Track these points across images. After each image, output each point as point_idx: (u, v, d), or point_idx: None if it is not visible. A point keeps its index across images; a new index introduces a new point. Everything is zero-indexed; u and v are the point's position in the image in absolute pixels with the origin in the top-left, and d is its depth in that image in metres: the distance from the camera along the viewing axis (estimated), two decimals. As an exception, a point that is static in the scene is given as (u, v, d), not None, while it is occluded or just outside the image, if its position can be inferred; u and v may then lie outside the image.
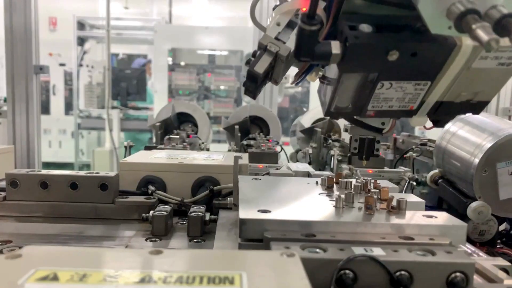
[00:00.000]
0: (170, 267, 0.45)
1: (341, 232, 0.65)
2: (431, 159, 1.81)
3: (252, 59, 0.71)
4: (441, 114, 0.72)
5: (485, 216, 1.40)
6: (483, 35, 0.46)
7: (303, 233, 0.64)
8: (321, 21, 0.60)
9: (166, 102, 5.11)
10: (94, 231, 0.93)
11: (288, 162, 2.02)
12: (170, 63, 5.77)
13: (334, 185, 0.90)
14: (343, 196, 0.74)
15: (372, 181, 0.87)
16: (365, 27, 0.60)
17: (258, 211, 0.68)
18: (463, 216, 1.44)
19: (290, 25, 0.72)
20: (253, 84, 0.72)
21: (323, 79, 0.76)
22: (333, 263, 0.55)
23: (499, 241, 1.61)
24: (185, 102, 2.29)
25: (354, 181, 0.88)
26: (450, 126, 1.65)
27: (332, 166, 1.73)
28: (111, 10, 5.22)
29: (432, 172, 1.67)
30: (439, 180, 1.64)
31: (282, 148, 1.92)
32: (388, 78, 0.64)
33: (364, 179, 0.87)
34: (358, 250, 0.58)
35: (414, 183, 1.57)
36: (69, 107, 6.38)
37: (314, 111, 2.22)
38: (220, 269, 0.45)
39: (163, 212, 0.91)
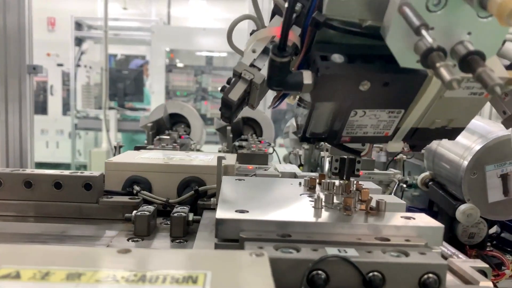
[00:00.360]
0: (135, 266, 0.45)
1: (317, 233, 0.65)
2: (423, 161, 1.81)
3: (227, 86, 0.71)
4: (416, 140, 0.73)
5: (474, 219, 1.40)
6: (445, 74, 0.47)
7: (279, 234, 0.64)
8: (292, 52, 0.61)
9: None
10: (77, 231, 0.93)
11: (280, 163, 2.02)
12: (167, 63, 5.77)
13: (317, 186, 0.90)
14: (322, 197, 0.74)
15: (355, 182, 0.87)
16: (336, 58, 0.60)
17: (236, 211, 0.68)
18: (453, 219, 1.44)
19: (265, 51, 0.72)
20: (228, 110, 0.73)
21: (300, 101, 0.76)
22: (305, 263, 0.55)
23: (489, 243, 1.61)
24: (177, 103, 2.29)
25: (337, 182, 0.88)
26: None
27: (323, 168, 1.73)
28: (109, 11, 5.22)
29: (423, 175, 1.67)
30: (430, 183, 1.64)
31: (274, 150, 1.92)
32: (361, 107, 0.64)
33: (346, 181, 0.87)
34: (332, 251, 0.58)
35: (404, 185, 1.57)
36: (66, 107, 6.38)
37: (307, 113, 2.21)
38: (187, 268, 0.45)
39: (145, 212, 0.91)
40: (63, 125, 6.41)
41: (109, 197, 1.01)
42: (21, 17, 2.15)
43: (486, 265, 0.71)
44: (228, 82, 0.72)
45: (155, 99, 5.36)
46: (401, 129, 0.70)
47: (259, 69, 0.71)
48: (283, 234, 0.64)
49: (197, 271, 0.44)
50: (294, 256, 0.57)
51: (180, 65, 6.03)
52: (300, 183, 0.91)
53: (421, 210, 1.71)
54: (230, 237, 0.64)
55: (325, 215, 0.70)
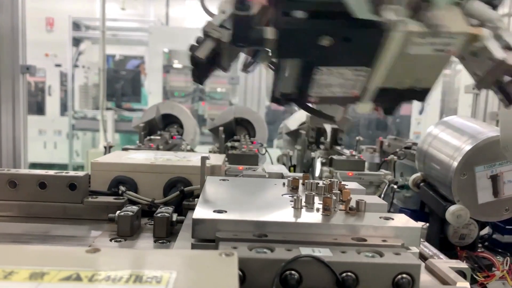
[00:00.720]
0: (101, 265, 0.45)
1: (294, 233, 0.65)
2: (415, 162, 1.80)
3: (197, 45, 0.72)
4: (386, 101, 0.73)
5: (464, 220, 1.39)
6: (393, 16, 0.48)
7: (255, 234, 0.64)
8: (256, 6, 0.62)
9: (161, 103, 5.10)
10: (60, 231, 0.93)
11: (273, 164, 2.02)
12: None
13: (301, 186, 0.90)
14: (302, 197, 0.74)
15: (338, 182, 0.87)
16: (298, 13, 0.61)
17: (214, 211, 0.68)
18: (444, 220, 1.44)
19: None
20: (197, 69, 0.73)
21: (270, 64, 0.77)
22: (277, 263, 0.55)
23: (480, 245, 1.60)
24: (170, 104, 2.28)
25: (321, 182, 0.87)
26: (432, 129, 1.64)
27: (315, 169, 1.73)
28: (108, 11, 5.23)
29: (414, 176, 1.67)
30: (421, 184, 1.64)
31: (266, 150, 1.91)
32: (324, 64, 0.64)
33: (330, 180, 0.87)
34: (306, 251, 0.58)
35: (395, 186, 1.57)
36: (64, 108, 6.38)
37: (300, 113, 2.22)
38: (154, 268, 0.45)
39: (129, 213, 0.91)
40: (61, 126, 6.39)
41: (94, 197, 1.01)
42: (15, 17, 2.15)
43: (466, 266, 0.71)
44: (198, 42, 0.73)
45: (152, 100, 5.36)
46: (369, 89, 0.70)
47: (228, 30, 0.72)
48: (260, 234, 0.64)
49: (163, 271, 0.44)
50: (267, 256, 0.57)
51: (178, 65, 6.03)
52: (284, 184, 0.91)
53: (413, 212, 1.71)
54: (207, 237, 0.64)
55: (303, 215, 0.70)
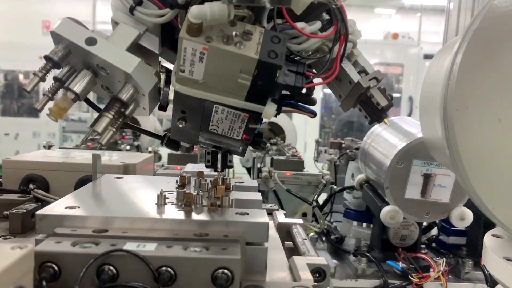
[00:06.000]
0: None
1: (137, 229, 0.65)
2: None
3: None
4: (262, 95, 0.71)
5: (397, 221, 1.38)
6: None
7: (95, 230, 0.63)
8: None
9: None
10: (-43, 228, 0.93)
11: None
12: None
13: (192, 183, 0.90)
14: (165, 193, 0.74)
15: (223, 179, 0.87)
16: None
17: (66, 207, 0.68)
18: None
19: None
20: None
21: None
22: (91, 258, 0.55)
23: (424, 246, 1.59)
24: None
25: (208, 180, 0.87)
26: (375, 128, 1.63)
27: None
28: (104, 14, 5.27)
29: (359, 176, 1.66)
30: (365, 185, 1.62)
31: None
32: None
33: (223, 178, 0.87)
34: (130, 246, 0.58)
35: (335, 186, 1.56)
36: (58, 110, 6.42)
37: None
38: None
39: (21, 210, 0.91)
40: (54, 128, 6.46)
41: (-1, 195, 1.02)
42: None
43: (325, 263, 0.70)
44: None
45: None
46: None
47: None
48: (100, 229, 0.63)
49: None
50: (82, 250, 0.56)
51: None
52: (177, 181, 0.91)
53: (358, 213, 1.70)
54: (49, 232, 0.64)
55: (159, 211, 0.70)
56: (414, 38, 6.16)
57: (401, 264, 1.43)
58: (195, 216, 0.68)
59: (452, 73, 0.64)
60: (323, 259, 0.71)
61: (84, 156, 1.18)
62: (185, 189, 0.77)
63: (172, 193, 0.81)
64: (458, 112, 0.64)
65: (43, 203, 0.98)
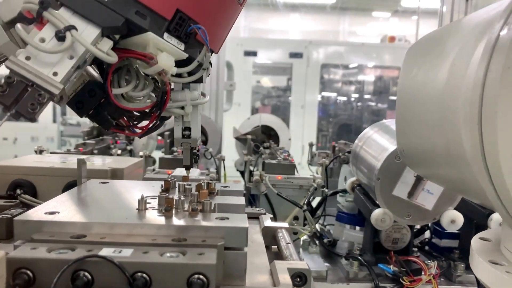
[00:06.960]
0: None
1: (116, 234, 0.64)
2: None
3: None
4: None
5: (387, 224, 1.38)
6: None
7: (73, 235, 0.63)
8: None
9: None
10: None
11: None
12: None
13: (177, 187, 0.90)
14: (148, 198, 0.74)
15: (208, 184, 0.87)
16: None
17: (45, 213, 0.68)
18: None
19: None
20: None
21: None
22: (66, 264, 0.54)
23: (416, 249, 1.58)
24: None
25: (193, 184, 0.87)
26: (367, 131, 1.63)
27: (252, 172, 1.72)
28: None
29: (351, 179, 1.66)
30: (356, 188, 1.62)
31: (211, 156, 1.91)
32: None
33: (203, 183, 0.87)
34: (107, 252, 0.57)
35: (326, 190, 1.55)
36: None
37: (254, 118, 2.21)
38: None
39: (6, 215, 0.91)
40: (53, 133, 6.45)
41: (-15, 201, 1.01)
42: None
43: (306, 267, 0.69)
44: None
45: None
46: None
47: None
48: (78, 235, 0.63)
49: None
50: (56, 256, 0.56)
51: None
52: (161, 186, 0.91)
53: (350, 216, 1.69)
54: (28, 238, 0.64)
55: (139, 216, 0.70)
56: (411, 41, 6.16)
57: (392, 268, 1.42)
58: (175, 221, 0.68)
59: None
60: (304, 263, 0.71)
61: (73, 161, 1.17)
62: (167, 194, 0.77)
63: (155, 198, 0.80)
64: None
65: (30, 208, 0.98)
